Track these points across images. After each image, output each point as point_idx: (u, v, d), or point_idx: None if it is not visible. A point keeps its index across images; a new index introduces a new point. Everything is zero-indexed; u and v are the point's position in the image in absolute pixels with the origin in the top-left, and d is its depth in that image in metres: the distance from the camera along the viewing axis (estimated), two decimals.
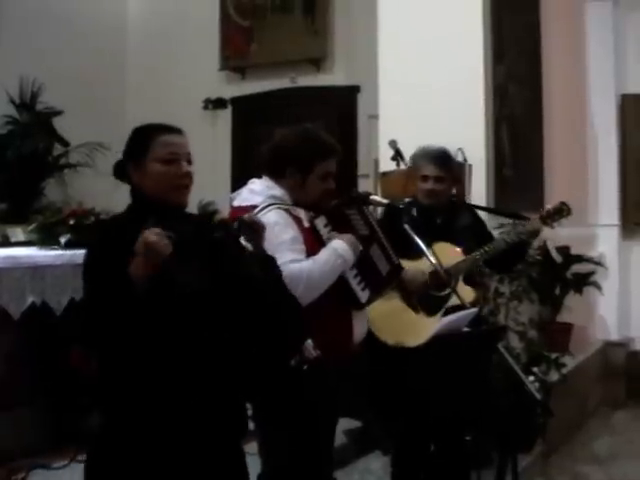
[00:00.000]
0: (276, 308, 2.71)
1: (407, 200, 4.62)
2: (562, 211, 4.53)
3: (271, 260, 2.96)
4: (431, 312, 4.27)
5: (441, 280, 4.06)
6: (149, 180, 2.81)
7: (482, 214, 4.92)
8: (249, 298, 2.78)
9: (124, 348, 2.59)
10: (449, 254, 4.33)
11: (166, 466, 2.67)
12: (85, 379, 5.05)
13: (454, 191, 4.79)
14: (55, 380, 5.23)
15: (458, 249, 4.43)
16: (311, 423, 3.31)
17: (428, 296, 4.30)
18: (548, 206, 4.57)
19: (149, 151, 2.82)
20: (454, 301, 4.20)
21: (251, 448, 3.32)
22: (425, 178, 4.52)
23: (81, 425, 5.00)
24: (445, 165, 4.55)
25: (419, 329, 4.13)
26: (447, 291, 4.27)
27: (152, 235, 2.50)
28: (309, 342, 2.59)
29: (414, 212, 4.51)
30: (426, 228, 4.35)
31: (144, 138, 2.86)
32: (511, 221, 5.04)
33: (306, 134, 3.54)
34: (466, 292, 4.33)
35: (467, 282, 4.43)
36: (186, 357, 2.66)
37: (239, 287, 2.81)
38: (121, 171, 2.90)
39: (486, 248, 4.42)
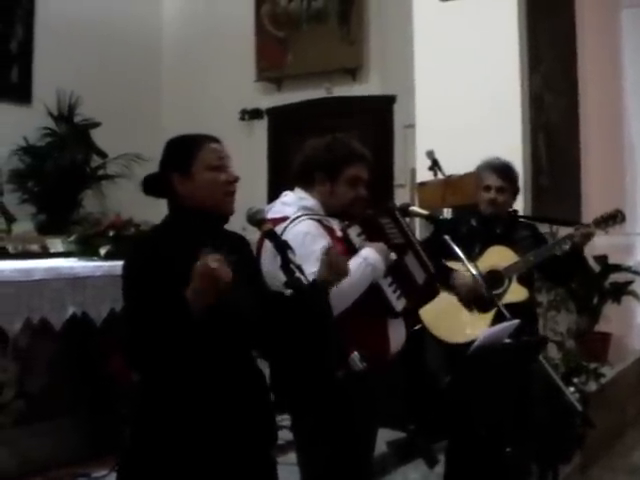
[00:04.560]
0: (321, 322, 2.70)
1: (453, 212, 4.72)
2: (616, 217, 4.60)
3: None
4: (485, 309, 4.33)
5: (479, 292, 4.10)
6: (199, 188, 2.78)
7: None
8: (293, 311, 2.80)
9: (169, 365, 2.59)
10: (504, 256, 4.51)
11: (196, 476, 2.67)
12: (124, 388, 5.13)
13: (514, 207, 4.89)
14: (95, 390, 5.27)
15: (512, 252, 4.54)
16: (349, 434, 3.29)
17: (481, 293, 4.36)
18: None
19: (197, 159, 2.80)
20: (508, 298, 4.33)
21: (290, 459, 3.33)
22: (488, 188, 4.66)
23: (121, 434, 5.04)
24: (507, 176, 4.69)
25: (471, 326, 4.31)
26: (501, 290, 4.36)
27: (214, 264, 2.45)
28: (356, 354, 2.58)
29: (473, 222, 4.64)
30: (486, 236, 4.47)
31: (191, 146, 2.84)
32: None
33: (333, 141, 3.57)
34: (519, 292, 4.49)
35: (522, 283, 4.53)
36: (219, 368, 2.68)
37: (282, 301, 2.83)
38: (154, 185, 2.88)
39: (540, 250, 4.54)
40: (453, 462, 4.46)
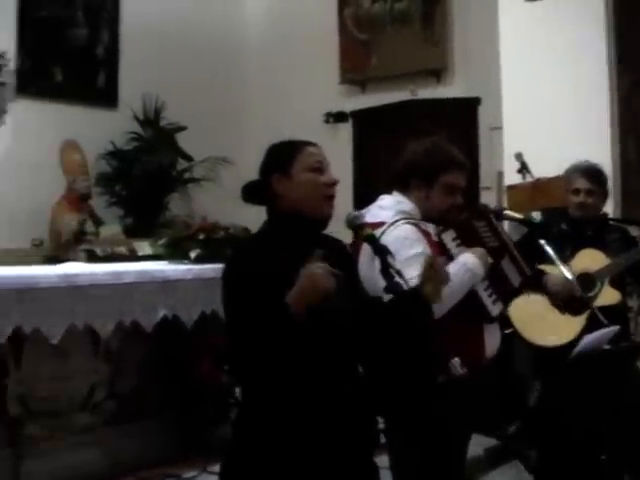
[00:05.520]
0: (420, 326, 2.69)
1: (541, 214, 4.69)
2: None
3: None
4: (577, 312, 4.30)
5: (575, 295, 4.05)
6: (298, 190, 2.79)
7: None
8: (392, 315, 2.79)
9: (272, 371, 2.61)
10: (595, 259, 4.49)
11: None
12: (212, 390, 5.19)
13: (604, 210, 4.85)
14: (184, 391, 5.33)
15: (603, 255, 4.52)
16: (442, 438, 3.27)
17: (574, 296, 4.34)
18: None
19: (297, 160, 2.82)
20: (600, 302, 4.30)
21: (382, 462, 3.32)
22: (577, 191, 4.65)
23: (208, 436, 5.10)
24: (596, 179, 4.67)
25: (563, 329, 4.28)
26: (594, 292, 4.33)
27: (319, 272, 2.49)
28: (456, 360, 2.56)
29: (564, 225, 4.62)
30: (576, 239, 4.45)
31: (291, 149, 2.86)
32: None
33: (432, 146, 3.55)
34: (612, 295, 4.46)
35: (614, 286, 4.51)
36: (321, 373, 2.68)
37: (380, 306, 2.83)
38: (254, 192, 2.90)
39: (631, 252, 4.52)
40: (544, 469, 4.41)
